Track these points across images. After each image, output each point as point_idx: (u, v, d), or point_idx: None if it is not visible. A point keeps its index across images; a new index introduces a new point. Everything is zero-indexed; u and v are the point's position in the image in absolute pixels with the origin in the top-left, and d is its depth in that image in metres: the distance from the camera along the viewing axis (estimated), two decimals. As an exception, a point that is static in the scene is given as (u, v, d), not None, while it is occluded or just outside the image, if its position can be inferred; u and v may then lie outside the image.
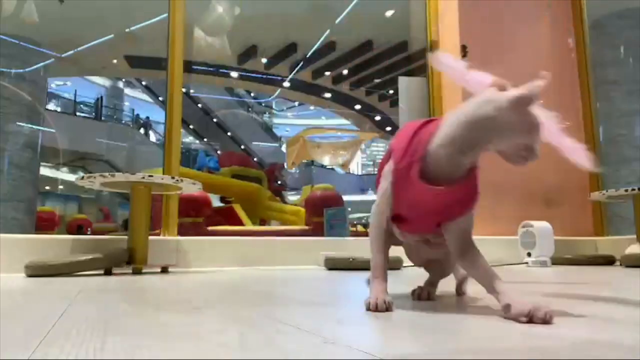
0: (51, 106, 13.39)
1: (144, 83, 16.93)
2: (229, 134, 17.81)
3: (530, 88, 0.77)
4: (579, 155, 0.88)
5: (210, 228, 5.26)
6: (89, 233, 8.25)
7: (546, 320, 0.72)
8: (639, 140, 4.95)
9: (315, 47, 9.80)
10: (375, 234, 0.97)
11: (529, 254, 2.77)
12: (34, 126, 7.18)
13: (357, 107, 14.05)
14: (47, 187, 12.48)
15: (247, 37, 9.17)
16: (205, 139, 17.53)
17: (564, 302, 1.06)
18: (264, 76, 11.33)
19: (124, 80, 17.20)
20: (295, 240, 3.14)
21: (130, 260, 2.20)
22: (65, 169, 13.28)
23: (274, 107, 21.74)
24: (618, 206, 3.62)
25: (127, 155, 14.26)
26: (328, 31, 9.15)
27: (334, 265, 2.50)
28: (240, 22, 7.41)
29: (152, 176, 2.29)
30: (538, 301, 0.76)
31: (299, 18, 8.37)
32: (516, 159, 0.82)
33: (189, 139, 17.40)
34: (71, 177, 12.85)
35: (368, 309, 0.87)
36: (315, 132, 13.35)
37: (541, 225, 2.77)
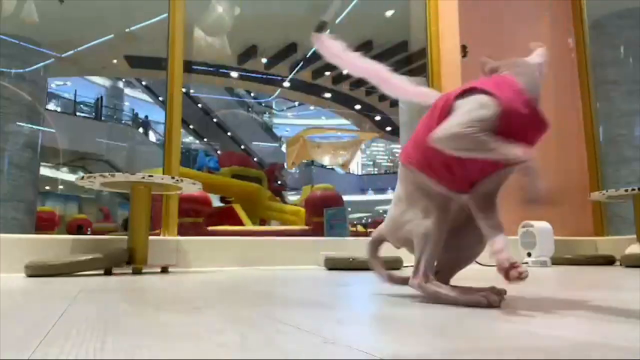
0: (51, 106, 13.40)
1: (144, 83, 16.94)
2: (229, 134, 17.82)
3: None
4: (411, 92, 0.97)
5: (210, 228, 5.26)
6: (89, 233, 8.26)
7: (520, 278, 0.85)
8: (639, 140, 4.95)
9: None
10: None
11: (529, 254, 2.77)
12: (34, 126, 7.18)
13: (357, 107, 14.07)
14: (47, 187, 12.48)
15: (247, 37, 9.18)
16: (205, 139, 17.54)
17: (564, 302, 1.06)
18: (264, 76, 11.34)
19: (124, 80, 17.21)
20: (295, 240, 3.14)
21: (130, 260, 2.20)
22: (65, 169, 13.28)
23: (274, 107, 21.76)
24: (618, 206, 3.62)
25: (127, 155, 14.27)
26: (328, 31, 9.15)
27: (334, 265, 2.50)
28: (240, 22, 7.41)
29: (152, 176, 2.29)
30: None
31: (299, 18, 8.37)
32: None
33: (189, 139, 17.41)
34: (71, 177, 12.86)
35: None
36: (315, 132, 13.37)
37: (541, 225, 2.77)
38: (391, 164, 23.99)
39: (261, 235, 3.92)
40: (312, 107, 19.00)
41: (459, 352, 0.56)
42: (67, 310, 0.90)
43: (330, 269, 2.50)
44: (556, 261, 2.83)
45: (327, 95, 13.14)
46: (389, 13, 8.11)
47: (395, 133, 13.99)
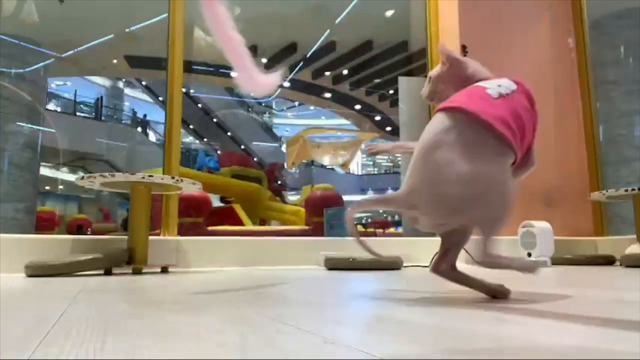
0: (51, 106, 13.41)
1: (144, 83, 16.94)
2: (229, 134, 17.83)
3: None
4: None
5: (210, 228, 5.27)
6: (89, 233, 8.26)
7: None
8: (639, 140, 4.95)
9: (315, 47, 9.81)
10: None
11: (529, 254, 2.77)
12: (34, 126, 7.18)
13: (357, 107, 14.08)
14: (47, 187, 12.49)
15: (247, 37, 9.16)
16: (205, 139, 17.54)
17: (564, 302, 1.06)
18: (264, 76, 11.32)
19: (124, 80, 17.21)
20: (295, 240, 3.14)
21: (130, 260, 2.20)
22: (65, 169, 13.29)
23: (274, 107, 21.77)
24: (618, 206, 3.62)
25: (127, 155, 14.28)
26: (328, 31, 9.16)
27: (334, 265, 2.50)
28: (240, 22, 7.40)
29: (152, 176, 2.29)
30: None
31: (299, 18, 8.38)
32: None
33: (189, 139, 17.41)
34: (71, 177, 12.87)
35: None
36: (315, 132, 13.35)
37: (541, 225, 2.77)
38: (391, 164, 23.97)
39: (261, 235, 3.92)
40: (312, 107, 19.00)
41: (458, 352, 0.56)
42: (67, 310, 0.90)
43: (330, 269, 2.50)
44: (556, 261, 2.83)
45: (327, 95, 13.15)
46: (389, 13, 8.12)
47: (395, 133, 14.00)
